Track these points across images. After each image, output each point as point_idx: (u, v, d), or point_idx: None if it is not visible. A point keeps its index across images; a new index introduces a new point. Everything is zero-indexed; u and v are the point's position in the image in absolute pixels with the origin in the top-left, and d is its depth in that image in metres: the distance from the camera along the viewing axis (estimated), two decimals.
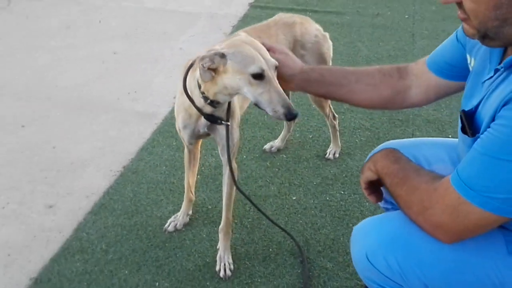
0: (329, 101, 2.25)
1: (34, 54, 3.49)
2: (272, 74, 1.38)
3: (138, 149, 2.52)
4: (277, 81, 1.38)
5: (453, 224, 1.01)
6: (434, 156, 1.38)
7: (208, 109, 1.58)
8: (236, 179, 1.74)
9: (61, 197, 2.22)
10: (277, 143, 2.49)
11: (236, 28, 3.84)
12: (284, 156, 2.47)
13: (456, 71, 1.32)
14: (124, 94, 3.01)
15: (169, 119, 2.74)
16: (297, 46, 1.92)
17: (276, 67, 1.39)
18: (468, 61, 1.26)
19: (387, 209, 1.63)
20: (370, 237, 1.20)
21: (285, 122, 2.45)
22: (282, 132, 2.49)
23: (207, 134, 1.74)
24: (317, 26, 2.08)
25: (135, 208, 2.14)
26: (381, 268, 1.16)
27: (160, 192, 2.23)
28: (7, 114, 2.81)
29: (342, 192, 2.23)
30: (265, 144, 2.52)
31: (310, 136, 2.62)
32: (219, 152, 1.77)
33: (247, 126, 2.69)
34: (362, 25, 3.95)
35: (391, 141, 1.64)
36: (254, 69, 1.36)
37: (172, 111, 2.81)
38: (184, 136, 1.79)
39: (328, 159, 2.42)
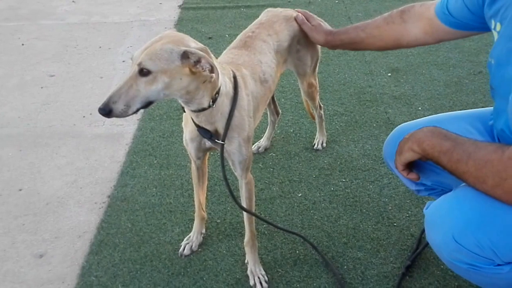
0: (318, 93, 2.21)
1: None
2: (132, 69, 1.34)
3: (117, 175, 2.33)
4: (127, 78, 1.34)
5: None
6: (460, 130, 1.36)
7: (194, 116, 1.51)
8: (234, 193, 1.65)
9: (49, 242, 1.99)
10: (263, 142, 2.42)
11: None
12: (274, 154, 2.41)
13: (463, 24, 1.46)
14: (79, 119, 2.77)
15: (139, 137, 2.56)
16: (294, 40, 1.86)
17: (139, 65, 1.31)
18: (492, 26, 1.29)
19: (418, 191, 1.64)
20: (452, 218, 1.19)
21: (269, 120, 2.39)
22: (267, 131, 2.43)
23: (214, 148, 1.64)
24: None
25: (139, 238, 1.97)
26: (471, 247, 1.16)
27: (160, 216, 2.07)
28: None
29: (344, 180, 2.22)
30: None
31: (291, 130, 2.58)
32: (231, 167, 1.68)
33: None
34: None
35: (407, 122, 1.65)
36: None
37: (139, 128, 2.65)
38: (191, 150, 1.68)
39: (318, 150, 2.40)
